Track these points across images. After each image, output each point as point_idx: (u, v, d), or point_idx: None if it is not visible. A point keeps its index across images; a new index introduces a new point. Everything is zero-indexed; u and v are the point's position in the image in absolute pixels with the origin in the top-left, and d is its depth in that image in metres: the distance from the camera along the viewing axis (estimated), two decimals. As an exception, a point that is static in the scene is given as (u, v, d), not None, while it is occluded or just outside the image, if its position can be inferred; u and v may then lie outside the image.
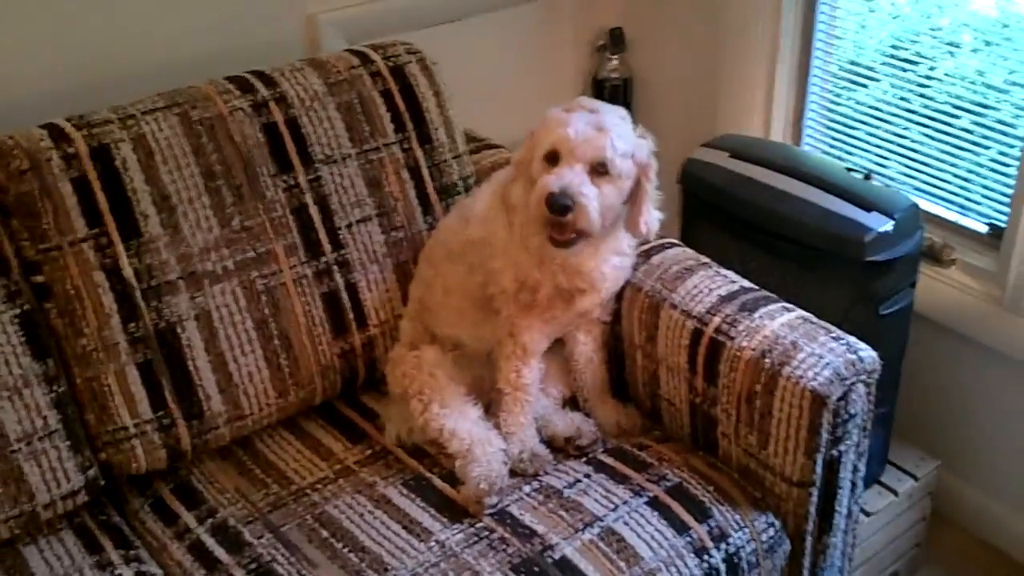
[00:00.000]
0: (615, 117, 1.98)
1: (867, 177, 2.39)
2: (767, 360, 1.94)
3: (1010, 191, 2.50)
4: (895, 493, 2.54)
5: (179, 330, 2.03)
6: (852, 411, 1.96)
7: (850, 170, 2.41)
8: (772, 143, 2.85)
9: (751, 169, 2.43)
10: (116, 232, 1.98)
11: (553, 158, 1.91)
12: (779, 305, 2.06)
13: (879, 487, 2.55)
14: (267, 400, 2.14)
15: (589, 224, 1.90)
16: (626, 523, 1.93)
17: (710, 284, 2.12)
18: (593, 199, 1.89)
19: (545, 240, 1.96)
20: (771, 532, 2.00)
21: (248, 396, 2.11)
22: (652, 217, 2.03)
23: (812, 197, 2.31)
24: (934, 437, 2.76)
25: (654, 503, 1.97)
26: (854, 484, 2.08)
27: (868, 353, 1.97)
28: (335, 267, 2.20)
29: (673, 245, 2.26)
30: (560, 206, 1.87)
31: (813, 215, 2.29)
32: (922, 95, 2.65)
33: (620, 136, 1.94)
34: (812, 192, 2.32)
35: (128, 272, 1.99)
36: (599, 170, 1.91)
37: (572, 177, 1.89)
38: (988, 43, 2.52)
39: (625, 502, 1.97)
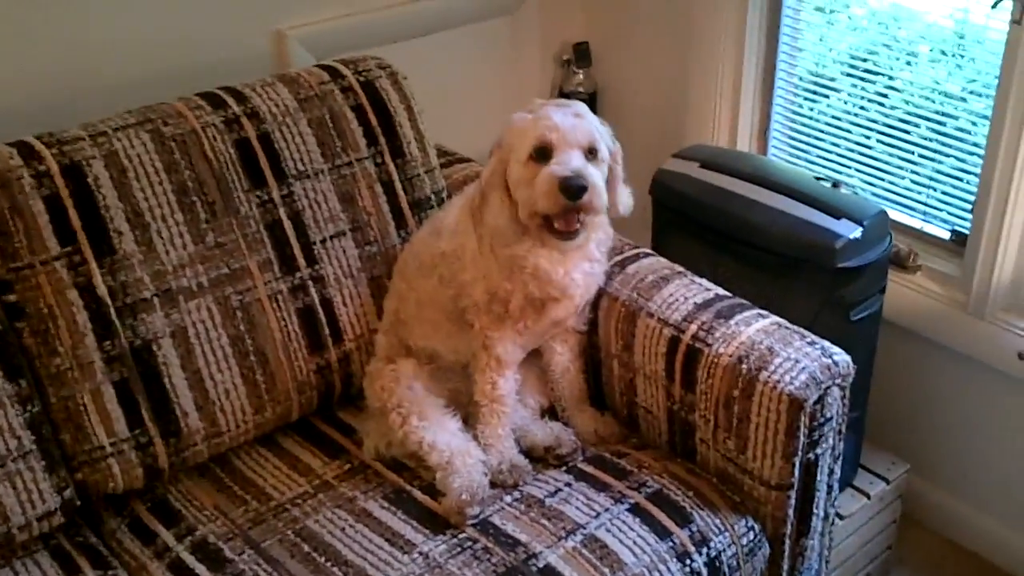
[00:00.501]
0: (582, 107, 2.02)
1: (835, 185, 2.42)
2: (744, 365, 1.96)
3: (971, 197, 2.53)
4: (867, 496, 2.57)
5: (155, 347, 2.02)
6: (828, 414, 1.98)
7: (818, 179, 2.44)
8: (741, 153, 2.87)
9: (721, 179, 2.45)
10: (89, 250, 1.97)
11: (543, 152, 1.92)
12: (754, 312, 2.08)
13: (852, 491, 2.57)
14: (244, 417, 2.13)
15: (600, 204, 1.93)
16: (608, 530, 1.93)
17: (686, 292, 2.13)
18: (600, 179, 1.92)
19: (517, 249, 2.01)
20: (751, 535, 2.01)
21: (225, 413, 2.10)
22: (626, 196, 2.07)
23: (782, 205, 2.33)
24: (903, 441, 2.79)
25: (635, 509, 1.98)
26: (830, 487, 2.10)
27: (842, 357, 1.99)
28: (310, 282, 2.20)
29: (648, 255, 2.27)
30: (577, 187, 1.88)
31: (784, 223, 2.32)
32: (881, 105, 2.69)
33: (596, 122, 1.99)
34: (782, 200, 2.34)
35: (102, 290, 1.97)
36: (590, 155, 1.94)
37: (577, 160, 1.91)
38: (945, 53, 2.56)
39: (607, 509, 1.98)
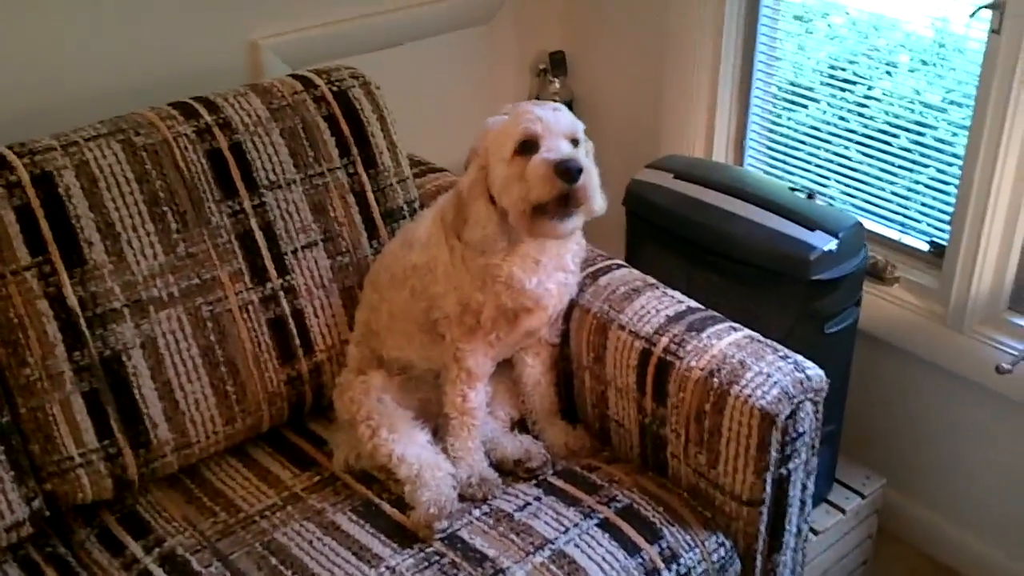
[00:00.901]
0: (558, 104, 2.03)
1: (810, 196, 2.41)
2: (716, 379, 1.95)
3: (950, 209, 2.53)
4: (843, 511, 2.56)
5: (125, 358, 2.01)
6: (800, 429, 1.97)
7: (793, 189, 2.43)
8: (715, 164, 2.87)
9: (695, 190, 2.44)
10: (60, 260, 1.96)
11: (528, 145, 1.91)
12: (726, 325, 2.07)
13: (827, 505, 2.57)
14: (214, 428, 2.12)
15: (594, 189, 1.93)
16: (577, 545, 1.92)
17: (657, 304, 2.12)
18: (591, 165, 1.93)
19: (492, 257, 2.00)
20: (722, 552, 2.00)
21: (195, 424, 2.09)
22: (600, 196, 2.02)
23: (756, 217, 2.32)
24: (879, 455, 2.79)
25: (605, 525, 1.97)
26: (803, 502, 2.09)
27: (815, 371, 1.98)
28: (281, 293, 2.19)
29: (620, 266, 2.26)
30: (574, 169, 1.86)
31: (758, 235, 2.31)
32: (860, 115, 2.69)
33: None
34: (756, 212, 2.33)
35: (72, 300, 1.96)
36: (574, 144, 1.95)
37: (566, 147, 1.91)
38: (924, 63, 2.55)
39: (576, 524, 1.96)
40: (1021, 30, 2.22)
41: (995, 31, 2.27)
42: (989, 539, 2.70)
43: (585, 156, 1.96)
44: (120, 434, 2.02)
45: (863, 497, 2.60)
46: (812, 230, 2.26)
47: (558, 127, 1.93)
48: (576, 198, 1.90)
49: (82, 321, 1.97)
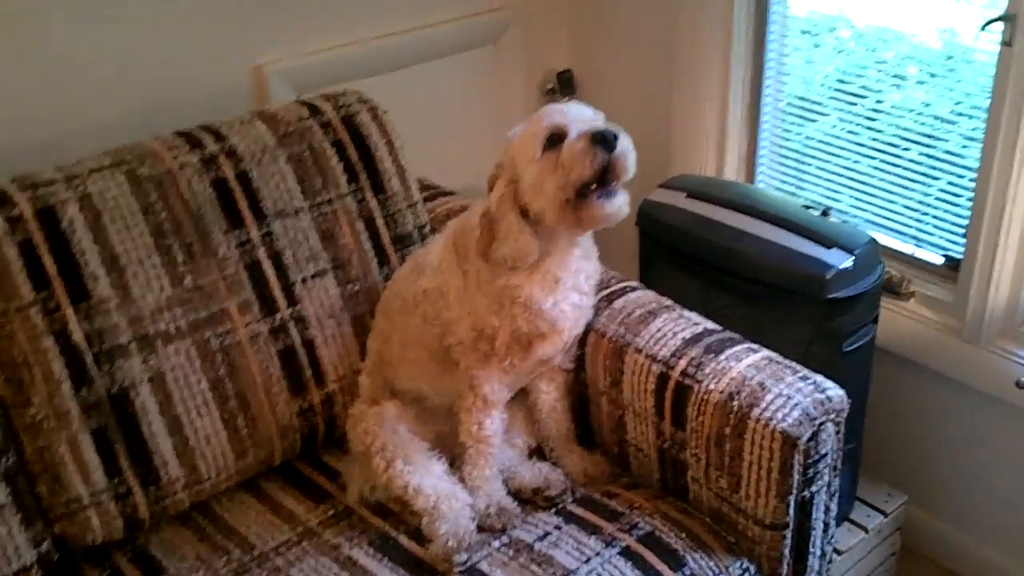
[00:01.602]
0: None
1: (825, 214, 2.38)
2: (735, 402, 1.92)
3: (963, 222, 2.50)
4: (865, 530, 2.52)
5: (132, 394, 1.97)
6: (822, 451, 1.93)
7: (807, 207, 2.40)
8: (728, 182, 2.84)
9: (709, 209, 2.41)
10: (65, 295, 1.92)
11: (557, 137, 1.88)
12: (744, 346, 2.04)
13: (849, 524, 2.53)
14: (225, 463, 2.08)
15: (632, 158, 1.88)
16: (600, 575, 1.88)
17: (674, 327, 2.09)
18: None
19: (512, 278, 1.96)
20: (746, 577, 1.97)
21: (206, 459, 2.06)
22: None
23: (771, 235, 2.30)
24: (900, 472, 2.75)
25: (627, 553, 1.93)
26: (827, 524, 2.05)
27: (836, 392, 1.94)
28: (291, 323, 2.15)
29: (635, 288, 2.23)
30: (612, 134, 1.83)
31: (773, 253, 2.28)
32: (870, 128, 2.66)
33: None
34: (771, 230, 2.30)
35: (78, 336, 1.93)
36: None
37: (598, 122, 1.88)
38: (933, 75, 2.53)
39: (598, 553, 1.93)
40: (1033, 43, 2.19)
41: (1007, 43, 2.24)
42: (1013, 553, 2.66)
43: None
44: (130, 472, 1.98)
45: (885, 515, 2.57)
46: (828, 248, 2.23)
47: (582, 115, 1.92)
48: (616, 170, 1.86)
49: (88, 357, 1.94)
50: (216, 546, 2.02)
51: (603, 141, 1.83)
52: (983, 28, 2.27)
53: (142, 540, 2.05)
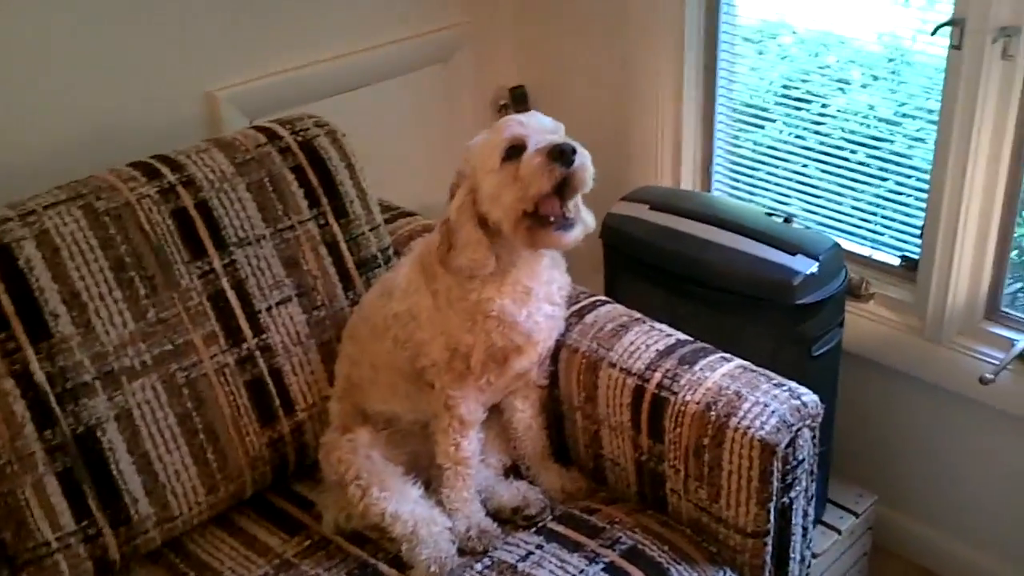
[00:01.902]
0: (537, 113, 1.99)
1: (787, 220, 2.39)
2: (713, 412, 1.91)
3: (916, 221, 2.53)
4: (838, 532, 2.53)
5: (99, 433, 1.92)
6: (800, 456, 1.93)
7: (769, 214, 2.41)
8: (690, 192, 2.85)
9: (673, 220, 2.41)
10: (24, 335, 1.87)
11: (516, 149, 1.86)
12: (718, 356, 2.04)
13: (822, 527, 2.54)
14: (196, 498, 2.04)
15: (590, 172, 1.86)
16: (585, 593, 1.87)
17: (646, 339, 2.08)
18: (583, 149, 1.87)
19: (484, 292, 1.95)
20: (730, 587, 1.97)
21: (176, 495, 2.01)
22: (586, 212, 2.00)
23: (736, 244, 2.30)
24: (869, 471, 2.77)
25: (611, 569, 1.91)
26: (805, 529, 2.06)
27: (810, 397, 1.95)
28: (257, 353, 2.12)
29: (605, 303, 2.22)
30: (570, 148, 1.82)
31: (739, 262, 2.28)
32: (817, 132, 2.68)
33: None
34: (736, 239, 2.31)
35: (40, 376, 1.88)
36: None
37: (554, 137, 1.86)
38: (876, 78, 2.55)
39: (582, 571, 1.91)
40: (982, 45, 2.22)
41: (956, 47, 2.27)
42: (983, 547, 2.69)
43: None
44: (99, 513, 1.93)
45: (857, 516, 2.58)
46: (793, 254, 2.24)
47: (541, 126, 1.90)
48: (574, 184, 1.86)
49: (51, 398, 1.89)
50: (191, 583, 1.98)
51: (561, 156, 1.82)
52: (934, 33, 2.29)
53: (113, 582, 2.00)
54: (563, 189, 1.86)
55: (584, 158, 1.86)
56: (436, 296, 2.01)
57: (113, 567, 1.98)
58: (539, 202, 1.86)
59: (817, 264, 2.22)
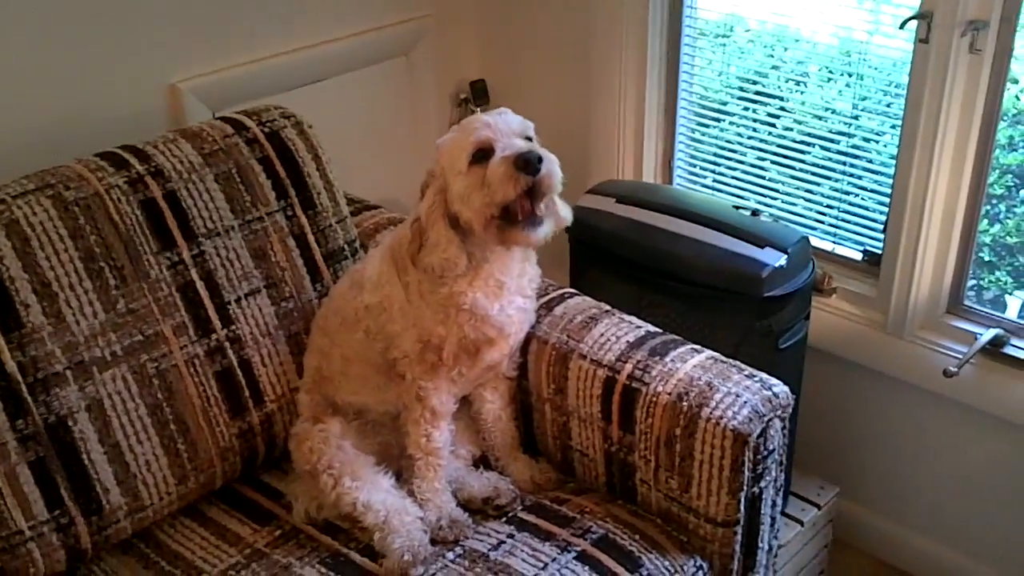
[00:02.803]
0: (505, 109, 1.99)
1: (755, 214, 2.41)
2: (685, 403, 1.93)
3: (877, 216, 2.57)
4: (801, 523, 2.56)
5: (71, 423, 1.91)
6: (771, 446, 1.96)
7: (736, 207, 2.43)
8: (655, 186, 2.86)
9: (640, 213, 2.42)
10: (-6, 326, 1.86)
11: (484, 153, 1.87)
12: (688, 347, 2.05)
13: (784, 518, 2.56)
14: (167, 488, 2.03)
15: (558, 177, 1.88)
16: (558, 581, 1.88)
17: (616, 331, 2.10)
18: (550, 154, 1.87)
19: (456, 286, 1.95)
20: (700, 575, 1.98)
21: (147, 485, 2.01)
22: (562, 204, 2.01)
23: (704, 237, 2.31)
24: (831, 464, 2.80)
25: (583, 557, 1.93)
26: (773, 519, 2.08)
27: (781, 388, 1.97)
28: (227, 344, 2.11)
29: (573, 295, 2.23)
30: (536, 157, 1.83)
31: (708, 255, 2.30)
32: (776, 127, 2.72)
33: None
34: (704, 232, 2.32)
35: (11, 367, 1.86)
36: (528, 142, 1.91)
37: (521, 143, 1.87)
38: (832, 72, 2.58)
39: (554, 559, 1.92)
40: (949, 40, 2.25)
41: (923, 40, 2.30)
42: (943, 541, 2.72)
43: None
44: (71, 502, 1.92)
45: (819, 508, 2.60)
46: (761, 247, 2.26)
47: (509, 128, 1.90)
48: (541, 190, 1.87)
49: (23, 388, 1.87)
50: (162, 573, 1.97)
51: (526, 166, 1.83)
52: (901, 27, 2.32)
53: (84, 571, 1.99)
54: (531, 191, 1.87)
55: (551, 164, 1.87)
56: (408, 288, 2.01)
57: (85, 556, 1.97)
58: (507, 205, 1.88)
59: (786, 257, 2.24)
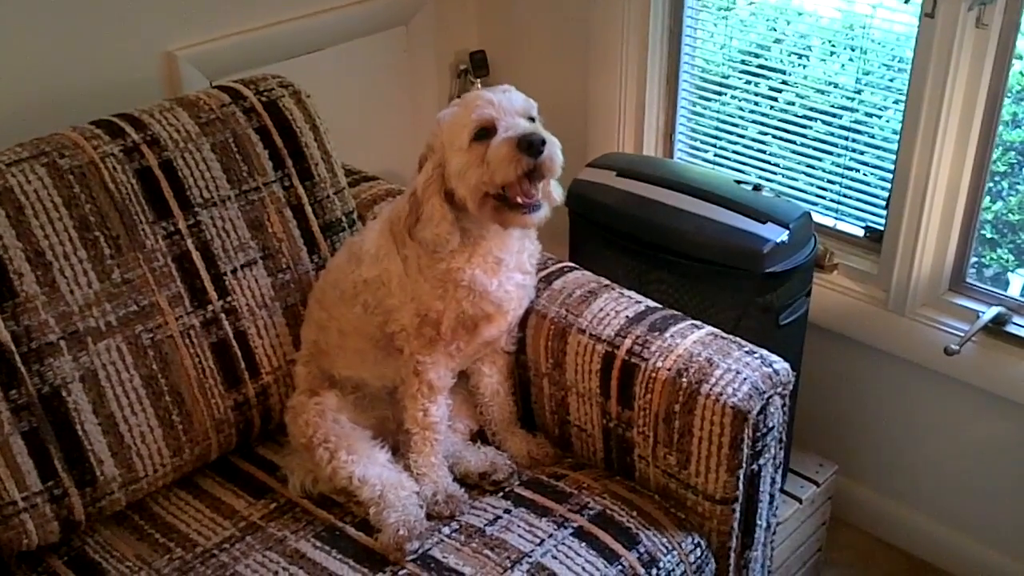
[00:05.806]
0: (508, 86, 1.96)
1: (757, 188, 2.39)
2: (684, 379, 1.92)
3: (880, 192, 2.55)
4: (799, 501, 2.54)
5: (64, 393, 1.90)
6: (770, 424, 1.94)
7: (738, 182, 2.40)
8: (657, 160, 2.84)
9: (640, 187, 2.39)
10: (-12, 295, 1.84)
11: (486, 131, 1.85)
12: (688, 323, 2.04)
13: (783, 496, 2.54)
14: (161, 460, 2.02)
15: (559, 161, 1.86)
16: (555, 556, 1.87)
17: (615, 306, 2.08)
18: (552, 137, 1.86)
19: (453, 261, 1.94)
20: (698, 552, 1.97)
21: (142, 457, 1.99)
22: (555, 185, 2.00)
23: (706, 212, 2.29)
24: (830, 442, 2.79)
25: (580, 533, 1.92)
26: (772, 496, 2.07)
27: (782, 365, 1.96)
28: (223, 315, 2.10)
29: (573, 269, 2.22)
30: (539, 140, 1.81)
31: (709, 230, 2.27)
32: (778, 101, 2.70)
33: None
34: (705, 207, 2.29)
35: (5, 336, 1.85)
36: (531, 122, 1.89)
37: (524, 123, 1.85)
38: (835, 47, 2.56)
39: (551, 535, 1.91)
40: (955, 14, 2.22)
41: (928, 14, 2.27)
42: (942, 520, 2.72)
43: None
44: (64, 473, 1.91)
45: (817, 485, 2.59)
46: (763, 223, 2.24)
47: (512, 107, 1.88)
48: (541, 172, 1.85)
49: (17, 357, 1.86)
50: (156, 545, 1.96)
51: (529, 148, 1.81)
52: (906, 1, 2.30)
53: (78, 542, 1.97)
54: (531, 173, 1.85)
55: (553, 148, 1.85)
56: (406, 262, 1.99)
57: (79, 527, 1.96)
58: (505, 186, 1.86)
59: (787, 232, 2.22)
